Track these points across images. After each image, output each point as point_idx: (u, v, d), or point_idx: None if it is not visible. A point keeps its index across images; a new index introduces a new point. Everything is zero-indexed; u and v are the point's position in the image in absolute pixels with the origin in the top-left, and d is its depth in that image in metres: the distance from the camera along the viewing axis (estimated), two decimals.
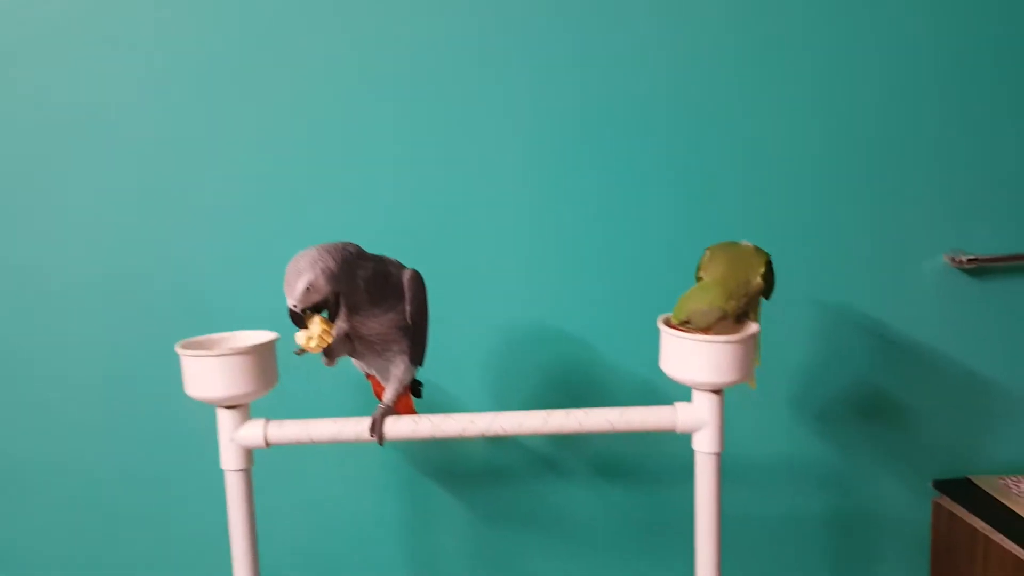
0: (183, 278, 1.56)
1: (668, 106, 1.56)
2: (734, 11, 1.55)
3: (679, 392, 1.23)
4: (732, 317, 1.15)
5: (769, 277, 1.21)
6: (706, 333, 1.14)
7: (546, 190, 1.58)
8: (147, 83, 1.51)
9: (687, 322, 1.13)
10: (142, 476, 1.62)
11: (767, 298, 1.26)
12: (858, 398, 1.69)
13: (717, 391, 1.18)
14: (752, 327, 1.19)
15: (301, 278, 1.09)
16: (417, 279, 1.20)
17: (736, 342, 1.13)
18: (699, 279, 1.22)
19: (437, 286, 1.26)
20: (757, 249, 1.24)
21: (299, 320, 1.13)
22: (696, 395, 1.19)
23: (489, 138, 1.55)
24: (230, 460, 1.23)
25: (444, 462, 1.67)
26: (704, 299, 1.13)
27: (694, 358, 1.14)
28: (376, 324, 1.20)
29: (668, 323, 1.16)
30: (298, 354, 1.17)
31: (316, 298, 1.12)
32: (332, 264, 1.11)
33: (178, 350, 1.19)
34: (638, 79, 1.54)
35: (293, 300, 1.11)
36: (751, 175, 1.59)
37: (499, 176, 1.57)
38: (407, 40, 1.52)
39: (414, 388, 1.38)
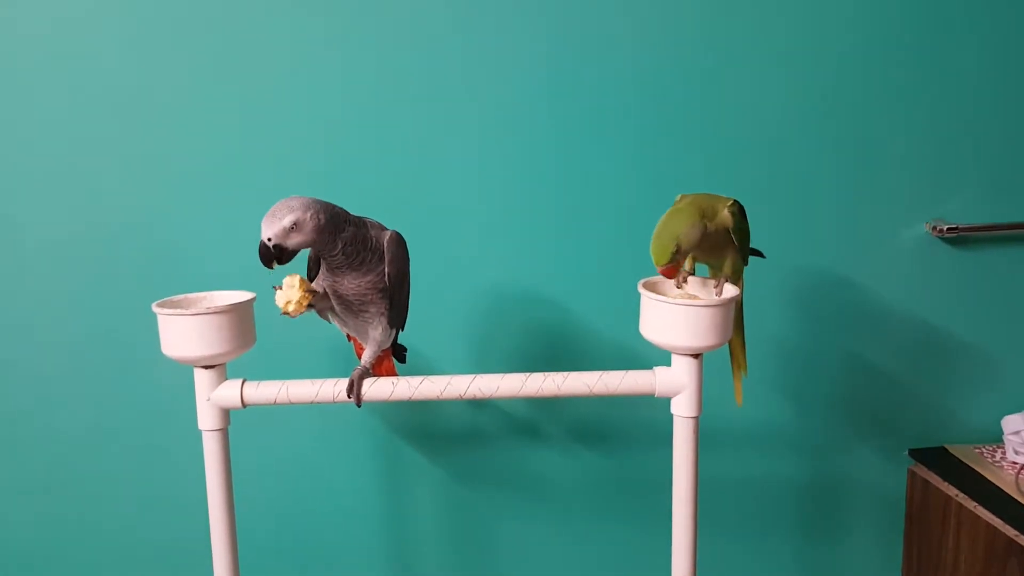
0: (160, 236, 1.55)
1: (643, 70, 1.55)
2: None
3: (658, 358, 1.23)
4: (712, 237, 1.15)
5: (738, 217, 1.20)
6: (692, 257, 1.14)
7: (524, 155, 1.56)
8: (127, 35, 1.49)
9: (676, 251, 1.12)
10: (119, 436, 1.62)
11: (742, 248, 1.23)
12: (835, 365, 1.70)
13: (696, 355, 1.18)
14: (732, 290, 1.19)
15: (291, 214, 1.08)
16: (398, 240, 1.19)
17: (716, 305, 1.13)
18: None
19: (417, 251, 1.25)
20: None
21: (268, 258, 1.11)
22: (675, 359, 1.19)
23: (467, 103, 1.54)
24: (207, 420, 1.23)
25: (422, 425, 1.67)
26: (683, 220, 1.13)
27: (674, 322, 1.13)
28: (354, 285, 1.19)
29: (660, 271, 1.15)
30: (283, 314, 1.18)
31: (294, 240, 1.10)
32: (323, 217, 1.10)
33: (155, 309, 1.18)
34: (610, 34, 1.53)
35: (272, 232, 1.09)
36: (729, 141, 1.58)
37: (478, 140, 1.56)
38: (390, 8, 1.51)
39: (398, 353, 1.39)
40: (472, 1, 1.50)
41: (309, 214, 1.09)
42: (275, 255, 1.11)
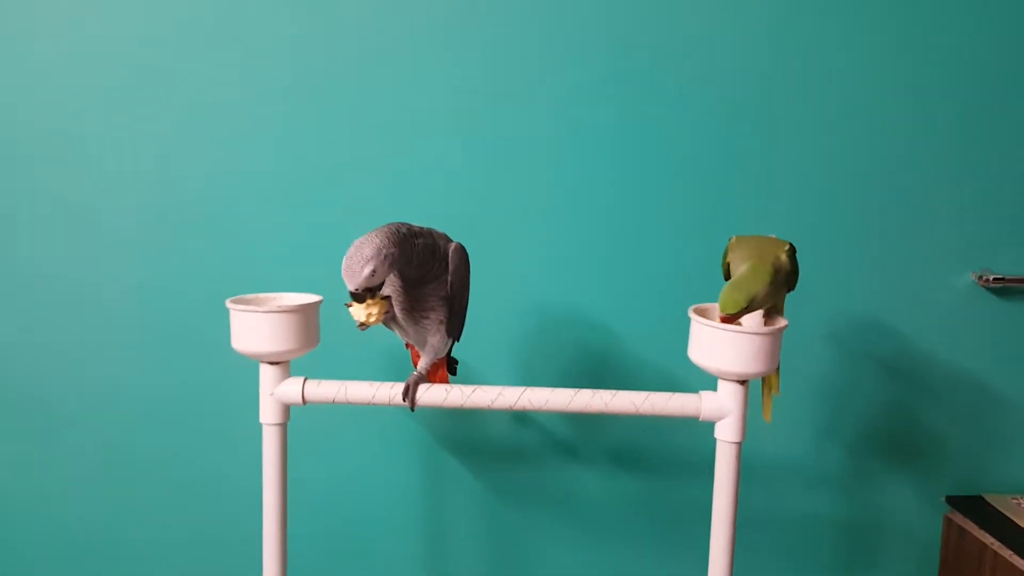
0: (237, 238, 1.59)
1: (703, 102, 1.55)
2: (768, 15, 1.53)
3: (698, 384, 1.23)
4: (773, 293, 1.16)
5: (793, 259, 1.21)
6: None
7: (580, 179, 1.57)
8: (212, 48, 1.52)
9: (746, 308, 1.12)
10: (181, 426, 1.64)
11: (792, 287, 1.24)
12: (874, 408, 1.67)
13: (742, 382, 1.18)
14: (781, 321, 1.20)
15: (367, 265, 1.10)
16: (461, 252, 1.22)
17: (767, 334, 1.13)
18: (727, 264, 1.23)
19: (473, 271, 1.27)
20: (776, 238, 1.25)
21: (359, 299, 1.15)
22: (722, 385, 1.19)
23: (527, 124, 1.55)
24: (269, 414, 1.25)
25: (467, 438, 1.68)
26: (760, 281, 1.14)
27: (725, 348, 1.13)
28: (418, 292, 1.21)
29: (722, 317, 1.14)
30: (360, 328, 1.20)
31: (377, 280, 1.13)
32: (395, 251, 1.12)
33: (229, 305, 1.21)
34: (671, 76, 1.54)
35: (355, 284, 1.12)
36: (780, 177, 1.58)
37: (533, 164, 1.56)
38: (451, 31, 1.53)
39: (450, 365, 1.39)
40: (536, 22, 1.52)
41: (383, 256, 1.11)
42: (362, 295, 1.14)
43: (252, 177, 1.57)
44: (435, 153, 1.57)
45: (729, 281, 1.15)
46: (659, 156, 1.57)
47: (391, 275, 1.23)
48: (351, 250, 1.12)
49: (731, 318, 1.14)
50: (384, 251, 1.11)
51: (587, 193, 1.58)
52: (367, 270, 1.10)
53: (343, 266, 1.12)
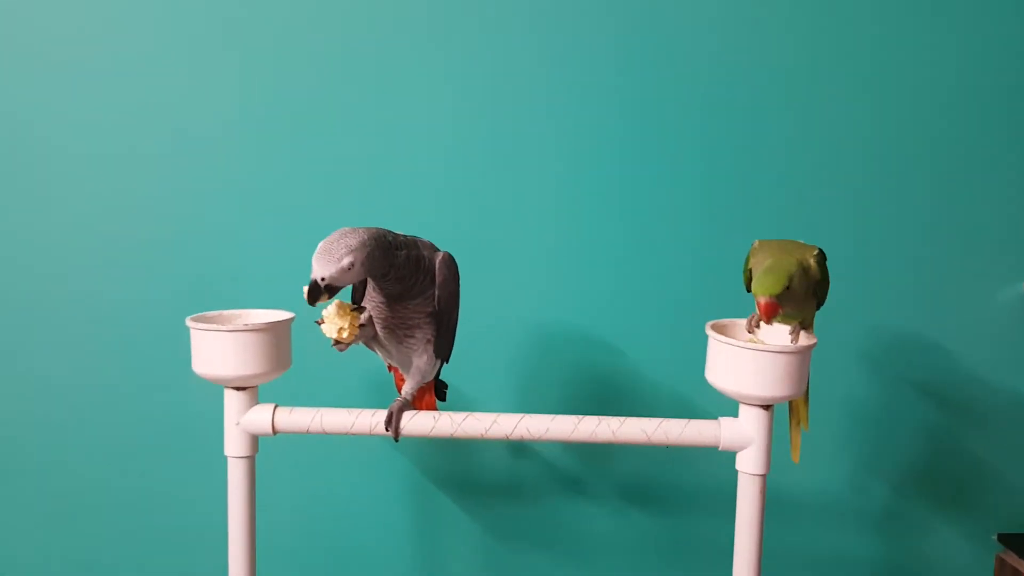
0: (199, 249, 1.58)
1: (721, 105, 1.55)
2: (797, 13, 1.53)
3: (717, 410, 1.22)
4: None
5: (823, 266, 1.21)
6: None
7: (576, 187, 1.58)
8: (173, 53, 1.53)
9: (788, 286, 1.13)
10: (139, 457, 1.63)
11: (821, 299, 1.23)
12: (915, 435, 1.64)
13: (767, 407, 1.16)
14: (809, 338, 1.17)
15: (348, 255, 1.07)
16: (450, 263, 1.20)
17: (794, 352, 1.11)
18: (748, 271, 1.23)
19: (463, 284, 1.25)
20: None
21: (316, 294, 1.09)
22: (744, 410, 1.17)
23: (524, 134, 1.56)
24: (234, 446, 1.23)
25: (458, 472, 1.66)
26: (792, 261, 1.15)
27: (746, 368, 1.11)
28: (402, 308, 1.19)
29: (764, 303, 1.13)
30: (336, 347, 1.18)
31: (348, 280, 1.09)
32: (378, 252, 1.10)
33: (189, 323, 1.19)
34: (685, 71, 1.54)
35: (327, 272, 1.07)
36: (808, 185, 1.57)
37: (528, 171, 1.57)
38: (450, 36, 1.54)
39: (439, 390, 1.38)
40: (543, 15, 1.53)
41: (365, 254, 1.08)
42: (322, 293, 1.08)
43: (216, 183, 1.57)
44: (420, 150, 1.56)
45: (761, 269, 1.15)
46: (672, 155, 1.57)
47: (372, 290, 1.20)
48: (334, 235, 1.09)
49: (774, 305, 1.12)
50: (369, 248, 1.08)
51: (593, 197, 1.58)
52: (346, 260, 1.07)
53: (319, 249, 1.07)
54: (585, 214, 1.59)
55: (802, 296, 1.18)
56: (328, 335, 1.16)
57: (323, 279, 1.07)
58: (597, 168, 1.57)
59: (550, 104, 1.55)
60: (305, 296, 1.08)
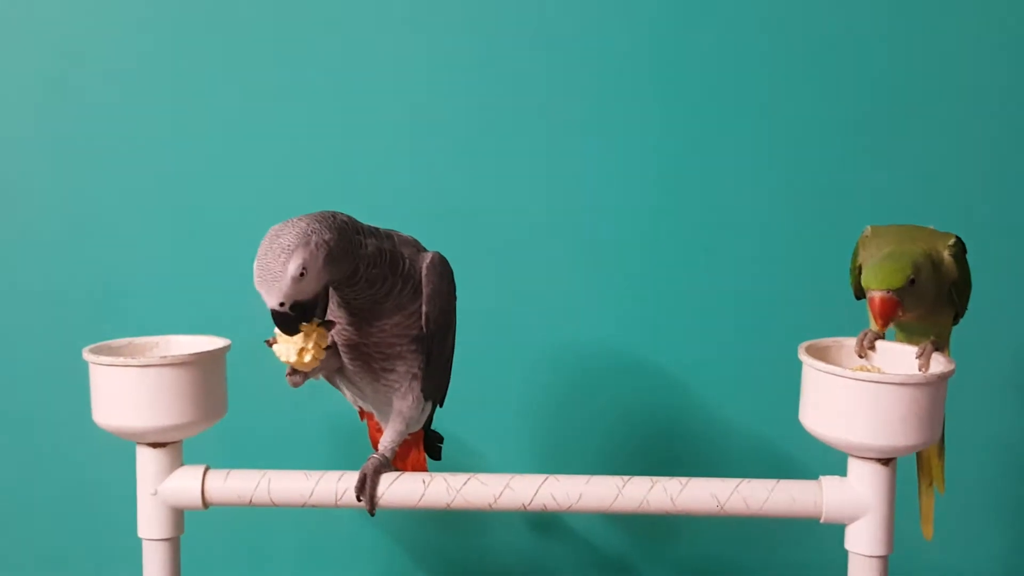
0: (98, 259, 1.60)
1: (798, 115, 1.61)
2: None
3: (817, 466, 1.22)
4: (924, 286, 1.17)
5: (963, 262, 1.21)
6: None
7: (617, 168, 1.61)
8: (60, 55, 1.61)
9: (912, 279, 1.13)
10: (32, 540, 1.64)
11: (961, 308, 1.24)
12: None
13: (886, 461, 1.14)
14: (945, 363, 1.16)
15: (291, 259, 1.05)
16: (442, 267, 1.18)
17: (923, 384, 1.08)
18: (857, 268, 1.24)
19: (468, 300, 1.25)
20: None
21: (291, 323, 1.08)
22: (854, 466, 1.16)
23: (542, 108, 1.63)
24: (151, 524, 1.21)
25: (458, 557, 1.66)
26: (917, 248, 1.16)
27: (857, 406, 1.10)
28: (376, 330, 1.17)
29: (881, 299, 1.14)
30: (292, 380, 1.16)
31: (311, 288, 1.07)
32: (331, 237, 1.07)
33: (87, 356, 1.18)
34: (746, 91, 1.62)
35: (279, 295, 1.06)
36: (926, 165, 1.61)
37: (554, 149, 1.61)
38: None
39: (429, 444, 1.36)
40: (579, 58, 1.61)
41: (313, 245, 1.06)
42: (296, 317, 1.08)
43: (125, 170, 1.60)
44: (403, 135, 1.60)
45: (877, 257, 1.15)
46: (743, 139, 1.61)
47: (334, 306, 1.17)
48: (264, 241, 1.07)
49: (893, 302, 1.12)
50: (316, 237, 1.06)
51: (637, 180, 1.61)
52: (292, 265, 1.05)
53: (255, 268, 1.06)
54: (628, 202, 1.61)
55: (932, 299, 1.17)
56: (283, 359, 1.12)
57: (281, 303, 1.06)
58: (642, 146, 1.60)
59: (579, 77, 1.63)
60: (277, 332, 1.10)
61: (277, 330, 1.12)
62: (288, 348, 1.11)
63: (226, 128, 1.61)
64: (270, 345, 1.14)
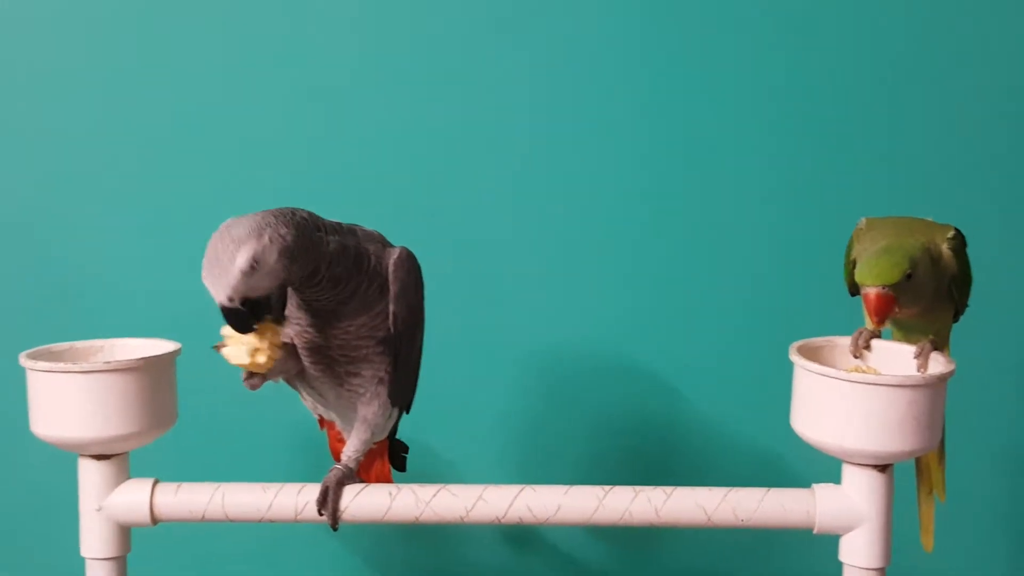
0: (37, 254, 1.60)
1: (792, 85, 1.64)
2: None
3: (809, 473, 1.22)
4: (921, 281, 1.17)
5: (962, 256, 1.22)
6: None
7: (599, 163, 1.62)
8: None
9: (909, 274, 1.13)
10: None
11: (961, 305, 1.25)
12: None
13: (883, 467, 1.14)
14: (944, 362, 1.16)
15: (241, 251, 1.04)
16: (409, 264, 1.18)
17: (921, 385, 1.09)
18: (852, 262, 1.25)
19: (437, 296, 1.23)
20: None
21: (243, 320, 1.08)
22: (849, 473, 1.16)
23: (524, 88, 1.65)
24: (94, 542, 1.20)
25: (430, 573, 1.66)
26: (915, 241, 1.17)
27: (851, 409, 1.10)
28: (340, 331, 1.17)
29: (877, 296, 1.14)
30: (248, 383, 1.15)
31: (264, 284, 1.07)
32: (286, 232, 1.07)
33: (24, 362, 1.17)
34: (733, 87, 1.65)
35: (228, 290, 1.05)
36: (925, 154, 1.62)
37: (532, 144, 1.61)
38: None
39: (394, 455, 1.36)
40: (575, 24, 1.63)
41: (266, 238, 1.05)
42: (249, 315, 1.07)
43: (69, 161, 1.60)
44: (383, 128, 1.62)
45: (872, 251, 1.16)
46: (733, 135, 1.62)
47: (293, 307, 1.17)
48: (214, 236, 1.06)
49: (890, 299, 1.13)
50: (268, 231, 1.06)
51: (620, 177, 1.62)
52: (241, 259, 1.04)
53: (204, 263, 1.06)
54: (609, 199, 1.62)
55: (930, 296, 1.18)
56: (235, 362, 1.11)
57: (230, 299, 1.05)
58: (626, 144, 1.62)
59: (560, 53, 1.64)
60: (226, 335, 1.10)
61: (226, 332, 1.11)
62: (239, 351, 1.11)
63: (177, 121, 1.63)
64: (218, 350, 1.12)
